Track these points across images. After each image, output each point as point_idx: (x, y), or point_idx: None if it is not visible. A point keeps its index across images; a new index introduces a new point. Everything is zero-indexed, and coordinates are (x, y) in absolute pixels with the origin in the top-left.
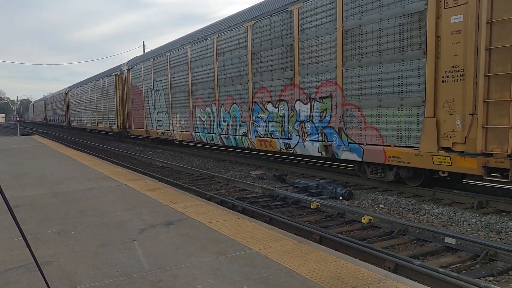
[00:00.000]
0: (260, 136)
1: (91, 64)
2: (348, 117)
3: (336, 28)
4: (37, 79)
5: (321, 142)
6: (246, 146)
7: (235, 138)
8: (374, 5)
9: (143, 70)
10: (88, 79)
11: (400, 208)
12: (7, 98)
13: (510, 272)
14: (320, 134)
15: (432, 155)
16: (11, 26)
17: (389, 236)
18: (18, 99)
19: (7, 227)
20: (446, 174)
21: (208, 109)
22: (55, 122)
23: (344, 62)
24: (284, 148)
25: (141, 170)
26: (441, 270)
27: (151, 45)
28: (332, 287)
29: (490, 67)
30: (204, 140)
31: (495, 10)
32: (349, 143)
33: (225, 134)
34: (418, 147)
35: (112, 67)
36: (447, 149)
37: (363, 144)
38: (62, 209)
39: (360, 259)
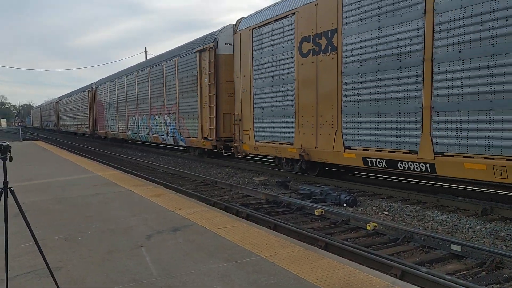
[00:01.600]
0: (154, 134)
1: (92, 70)
2: (180, 124)
3: (175, 78)
4: (39, 84)
5: (173, 137)
6: (149, 141)
7: (144, 136)
8: (186, 69)
9: (103, 89)
10: (72, 92)
11: (405, 215)
12: (9, 103)
13: None
14: (173, 133)
15: (201, 141)
16: (13, 32)
17: (394, 243)
18: (20, 104)
19: (14, 233)
20: (202, 151)
21: (134, 117)
22: (48, 127)
23: (178, 95)
24: (162, 141)
25: (145, 176)
26: (447, 277)
27: (154, 51)
28: None
29: (210, 102)
30: (133, 138)
31: (218, 77)
32: (181, 137)
33: (141, 134)
34: (197, 137)
35: (116, 72)
36: (205, 138)
37: (185, 137)
38: (67, 215)
39: (366, 266)
